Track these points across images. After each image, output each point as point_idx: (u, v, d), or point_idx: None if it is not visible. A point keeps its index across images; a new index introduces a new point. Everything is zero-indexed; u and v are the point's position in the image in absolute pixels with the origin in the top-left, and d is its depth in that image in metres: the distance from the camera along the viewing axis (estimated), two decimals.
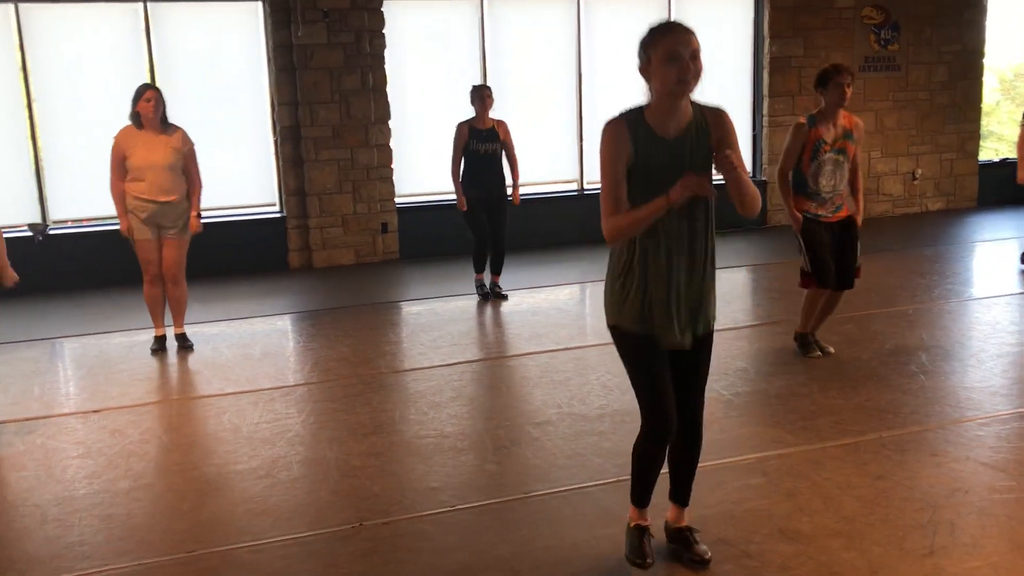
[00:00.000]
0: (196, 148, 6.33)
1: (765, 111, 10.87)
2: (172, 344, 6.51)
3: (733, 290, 7.84)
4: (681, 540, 3.30)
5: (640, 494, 3.23)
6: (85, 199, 8.82)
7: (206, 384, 5.77)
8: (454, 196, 7.59)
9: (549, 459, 4.28)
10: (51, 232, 8.84)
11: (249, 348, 6.56)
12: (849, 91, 5.29)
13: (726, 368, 5.47)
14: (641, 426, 3.10)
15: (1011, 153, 7.64)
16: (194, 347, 6.48)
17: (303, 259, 9.54)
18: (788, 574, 3.16)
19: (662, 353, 3.01)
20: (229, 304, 8.01)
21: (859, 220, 5.56)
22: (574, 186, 10.53)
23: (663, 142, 2.88)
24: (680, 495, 3.33)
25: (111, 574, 3.38)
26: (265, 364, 6.16)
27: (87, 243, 8.88)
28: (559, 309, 7.62)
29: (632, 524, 3.26)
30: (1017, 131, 7.60)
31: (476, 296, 7.80)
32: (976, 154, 11.80)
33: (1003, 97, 14.57)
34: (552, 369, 5.68)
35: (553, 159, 10.39)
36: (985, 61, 11.67)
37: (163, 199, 6.14)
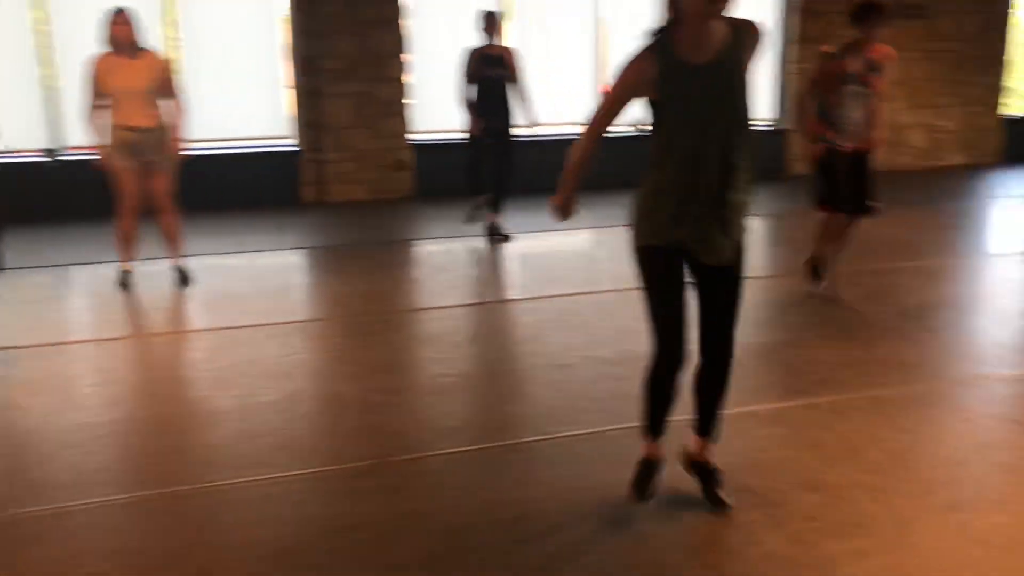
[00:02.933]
0: (176, 72, 6.12)
1: (792, 57, 10.65)
2: (152, 276, 6.37)
3: (751, 239, 7.73)
4: (703, 476, 3.27)
5: (650, 424, 3.18)
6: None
7: (221, 316, 5.73)
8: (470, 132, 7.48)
9: (570, 401, 4.24)
10: (65, 157, 8.74)
11: (263, 281, 6.51)
12: (878, 31, 5.20)
13: (744, 316, 5.39)
14: (652, 355, 3.04)
15: None
16: (192, 280, 6.33)
17: (317, 193, 9.45)
18: (813, 524, 3.14)
19: (680, 278, 2.95)
20: (242, 237, 7.95)
21: (877, 144, 5.45)
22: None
23: (695, 71, 2.77)
24: (703, 425, 3.23)
25: (132, 501, 3.38)
26: (280, 298, 6.12)
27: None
28: (576, 253, 7.55)
29: (644, 455, 3.24)
30: None
31: (490, 237, 7.64)
32: (1000, 108, 11.59)
33: None
34: (571, 312, 5.63)
35: (571, 98, 10.21)
36: (1015, 12, 11.40)
37: (142, 126, 6.00)
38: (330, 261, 7.19)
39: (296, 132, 9.39)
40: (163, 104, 6.08)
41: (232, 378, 4.62)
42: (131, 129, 5.98)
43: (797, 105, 5.50)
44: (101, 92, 5.98)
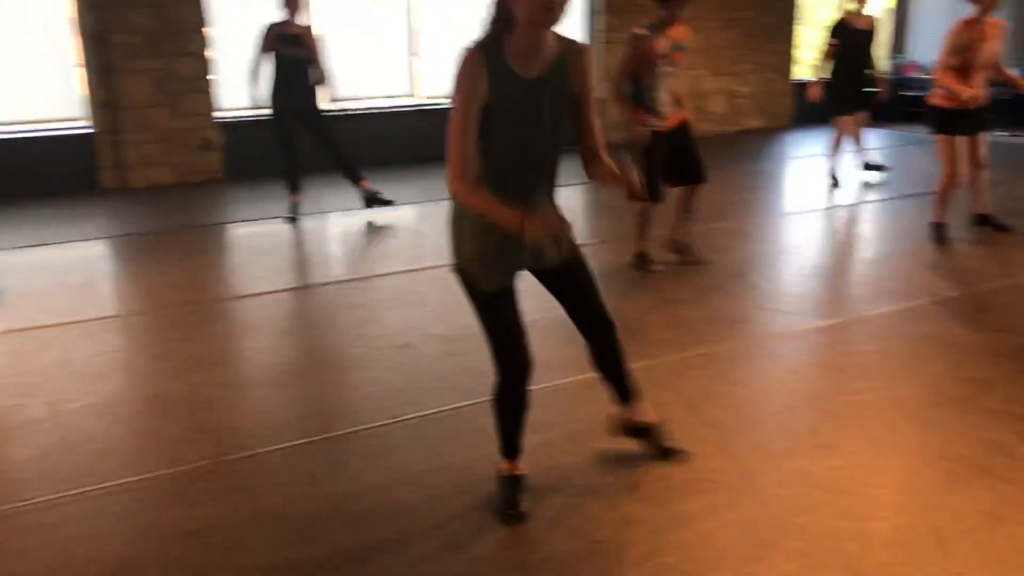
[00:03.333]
0: None
1: (600, 26, 10.86)
2: None
3: (571, 208, 7.87)
4: (646, 436, 3.32)
5: (508, 444, 3.04)
6: None
7: (22, 315, 5.22)
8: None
9: (414, 382, 4.15)
10: None
11: (67, 275, 6.00)
12: (683, 9, 5.27)
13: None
14: (495, 372, 2.87)
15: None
16: None
17: (118, 178, 8.80)
18: (666, 483, 3.20)
19: (513, 293, 2.83)
20: (37, 228, 7.30)
21: (688, 117, 5.64)
22: (409, 100, 10.21)
23: (523, 83, 2.59)
24: (623, 392, 3.24)
25: None
26: (88, 292, 5.67)
27: None
28: (406, 229, 7.41)
29: (505, 473, 3.08)
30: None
31: (290, 221, 7.30)
32: (791, 74, 12.32)
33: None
34: (408, 290, 5.52)
35: (385, 72, 10.02)
36: None
37: None
38: (139, 250, 6.71)
39: (90, 113, 8.69)
40: None
41: (41, 383, 4.21)
42: None
43: (614, 91, 5.50)
44: None
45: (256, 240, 7.01)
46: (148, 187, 8.85)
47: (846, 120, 8.09)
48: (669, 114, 5.47)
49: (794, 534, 2.87)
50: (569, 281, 2.96)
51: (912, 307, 5.04)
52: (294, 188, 7.34)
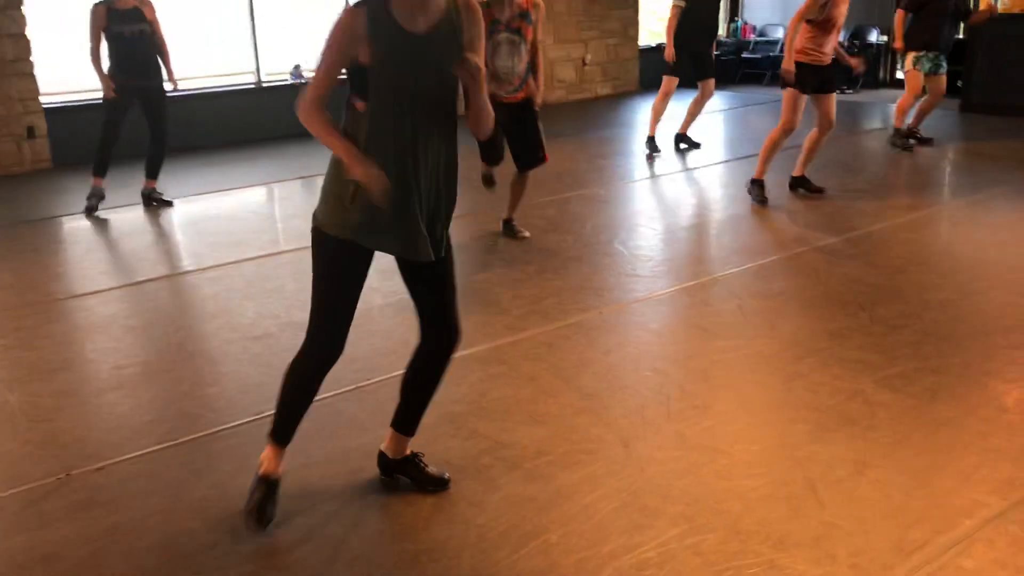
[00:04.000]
0: None
1: None
2: None
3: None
4: (410, 469, 2.99)
5: (283, 427, 2.82)
6: None
7: None
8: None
9: (275, 374, 3.92)
10: None
11: None
12: None
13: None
14: (303, 344, 2.72)
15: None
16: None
17: None
18: (545, 458, 3.16)
19: (364, 274, 2.66)
20: None
21: (539, 100, 5.55)
22: (250, 78, 9.78)
23: (410, 38, 2.47)
24: (410, 423, 2.94)
25: None
26: None
27: None
28: (254, 212, 7.10)
29: (262, 472, 2.82)
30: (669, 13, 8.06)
31: (85, 207, 6.83)
32: (637, 39, 12.51)
33: None
34: (261, 277, 5.27)
35: (225, 49, 9.56)
36: None
37: None
38: None
39: None
40: None
41: None
42: None
43: None
44: None
45: (91, 233, 6.55)
46: None
47: (672, 83, 8.14)
48: (512, 83, 5.35)
49: (676, 498, 2.88)
50: (434, 279, 2.75)
51: (765, 264, 5.18)
52: (99, 170, 6.86)
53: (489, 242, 5.80)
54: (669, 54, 7.96)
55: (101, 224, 6.70)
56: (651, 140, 8.34)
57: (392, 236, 2.59)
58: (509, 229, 5.84)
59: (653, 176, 7.74)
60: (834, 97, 6.39)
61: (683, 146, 8.51)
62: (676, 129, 8.52)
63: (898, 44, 8.02)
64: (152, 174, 7.03)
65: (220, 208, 7.11)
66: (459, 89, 2.61)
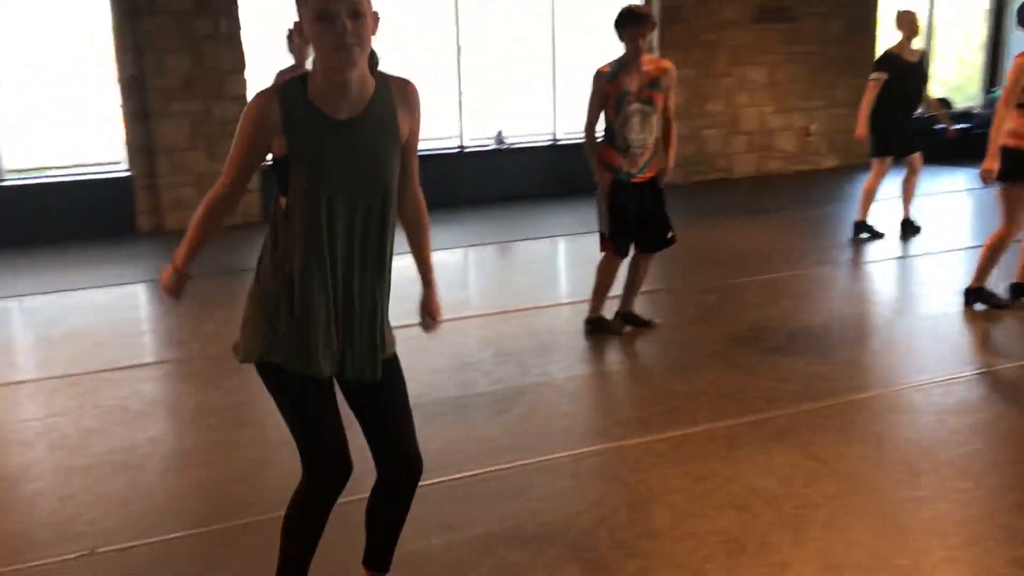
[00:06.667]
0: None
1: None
2: None
3: (548, 263, 7.57)
4: None
5: (297, 567, 2.49)
6: None
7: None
8: None
9: None
10: None
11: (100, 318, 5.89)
12: (644, 42, 4.80)
13: (558, 344, 5.07)
14: (302, 479, 2.41)
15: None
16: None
17: (153, 222, 8.80)
18: None
19: (323, 385, 2.34)
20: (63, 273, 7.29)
21: (668, 174, 5.09)
22: (454, 143, 9.95)
23: (332, 124, 2.21)
24: (382, 558, 2.64)
25: None
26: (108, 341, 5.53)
27: None
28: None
29: None
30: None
31: None
32: None
33: None
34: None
35: (431, 112, 9.80)
36: (879, 14, 11.37)
37: None
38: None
39: (127, 157, 8.73)
40: None
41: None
42: None
43: (585, 132, 5.07)
44: None
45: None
46: (182, 231, 8.78)
47: (884, 163, 7.29)
48: (644, 158, 4.96)
49: None
50: (385, 392, 2.42)
51: (959, 379, 4.38)
52: None
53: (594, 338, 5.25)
54: (861, 131, 7.14)
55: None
56: (859, 225, 7.51)
57: (319, 355, 2.29)
58: (631, 319, 5.33)
59: (853, 262, 6.94)
60: None
61: (908, 231, 7.56)
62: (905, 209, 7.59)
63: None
64: None
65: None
66: (395, 183, 2.33)
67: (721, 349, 5.00)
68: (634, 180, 4.94)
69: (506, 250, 7.92)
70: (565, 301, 6.01)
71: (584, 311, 5.28)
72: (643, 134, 4.90)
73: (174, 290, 2.43)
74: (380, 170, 2.28)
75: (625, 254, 5.15)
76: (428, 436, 3.92)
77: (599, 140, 5.06)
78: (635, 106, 4.86)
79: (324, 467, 2.37)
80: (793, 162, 11.23)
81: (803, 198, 9.53)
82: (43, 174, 8.58)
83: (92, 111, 8.71)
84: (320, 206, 2.23)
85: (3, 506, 3.55)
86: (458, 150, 9.93)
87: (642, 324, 5.32)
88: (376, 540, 2.63)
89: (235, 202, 2.35)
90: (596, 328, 5.23)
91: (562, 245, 7.93)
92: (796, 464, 3.63)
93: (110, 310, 6.33)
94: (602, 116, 4.96)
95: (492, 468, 3.63)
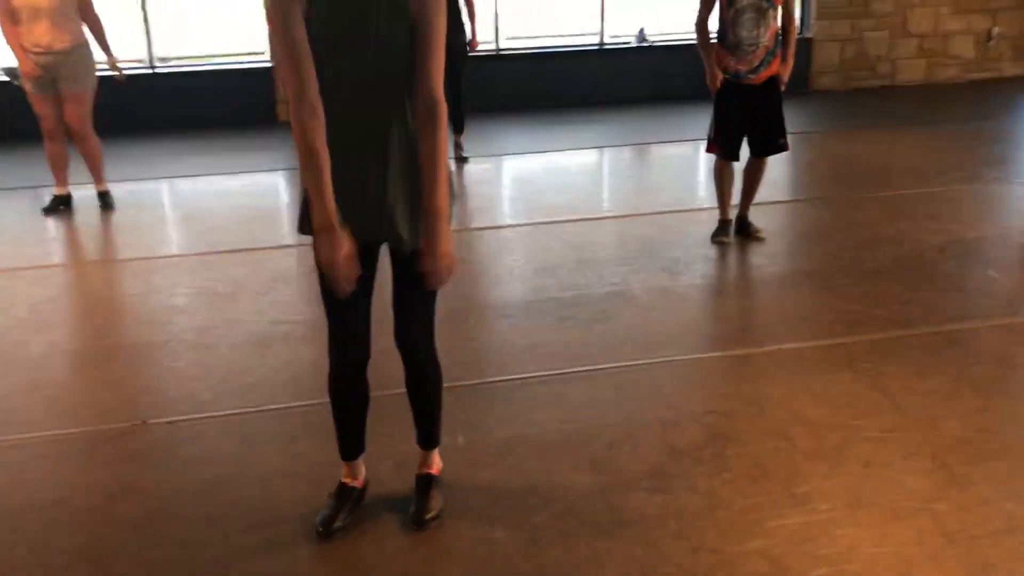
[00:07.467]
0: None
1: None
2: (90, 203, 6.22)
3: (662, 170, 7.21)
4: (417, 489, 2.75)
5: (340, 442, 2.69)
6: None
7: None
8: None
9: None
10: None
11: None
12: None
13: (644, 252, 4.91)
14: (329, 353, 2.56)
15: None
16: (115, 206, 6.20)
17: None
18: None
19: (364, 266, 2.36)
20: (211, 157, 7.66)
21: (785, 75, 4.76)
22: (594, 39, 9.64)
23: (344, 1, 2.19)
24: (422, 437, 2.77)
25: None
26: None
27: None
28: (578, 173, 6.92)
29: (338, 483, 2.72)
30: None
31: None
32: None
33: None
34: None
35: (572, 9, 9.53)
36: None
37: (56, 47, 5.72)
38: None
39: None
40: (77, 23, 5.85)
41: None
42: (46, 52, 5.73)
43: (697, 28, 4.77)
44: (9, 10, 5.71)
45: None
46: None
47: None
48: (758, 57, 4.62)
49: None
50: (404, 279, 2.47)
51: None
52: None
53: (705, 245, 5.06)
54: None
55: None
56: None
57: (355, 218, 2.29)
58: (743, 227, 5.09)
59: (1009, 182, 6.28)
60: None
61: None
62: None
63: None
64: (458, 128, 7.23)
65: (535, 167, 7.07)
66: (404, 69, 2.27)
67: (819, 268, 4.70)
68: (746, 82, 4.66)
69: (643, 152, 7.64)
70: (665, 210, 5.75)
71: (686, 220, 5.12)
72: (756, 31, 4.57)
73: (347, 273, 2.29)
74: (385, 50, 2.23)
75: (732, 157, 4.92)
76: (483, 338, 3.99)
77: (712, 40, 4.79)
78: (749, 1, 4.52)
79: (336, 349, 2.50)
80: (970, 69, 10.22)
81: (978, 111, 8.66)
82: (191, 63, 8.99)
83: (238, 2, 8.97)
84: (339, 73, 2.24)
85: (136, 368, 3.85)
86: (598, 47, 9.63)
87: (750, 234, 5.07)
88: (416, 421, 2.75)
89: (315, 109, 2.20)
90: (718, 232, 5.06)
91: (683, 149, 7.55)
92: (856, 394, 3.39)
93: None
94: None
95: (536, 374, 3.59)
